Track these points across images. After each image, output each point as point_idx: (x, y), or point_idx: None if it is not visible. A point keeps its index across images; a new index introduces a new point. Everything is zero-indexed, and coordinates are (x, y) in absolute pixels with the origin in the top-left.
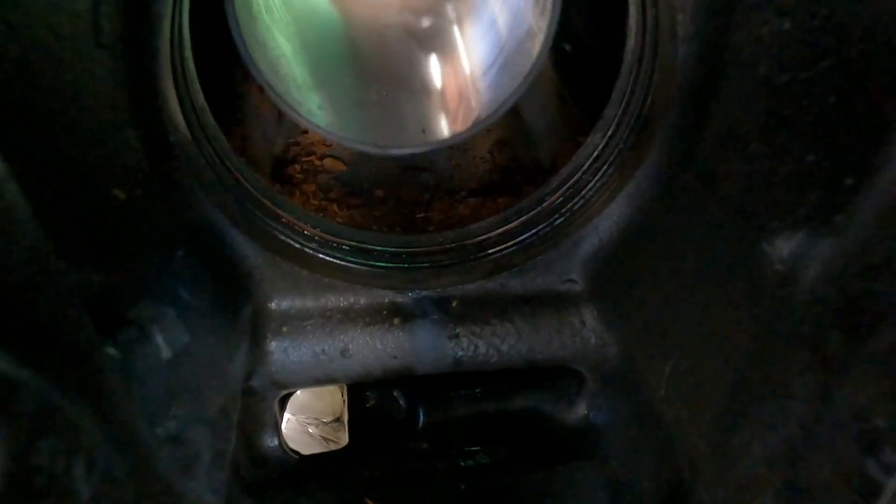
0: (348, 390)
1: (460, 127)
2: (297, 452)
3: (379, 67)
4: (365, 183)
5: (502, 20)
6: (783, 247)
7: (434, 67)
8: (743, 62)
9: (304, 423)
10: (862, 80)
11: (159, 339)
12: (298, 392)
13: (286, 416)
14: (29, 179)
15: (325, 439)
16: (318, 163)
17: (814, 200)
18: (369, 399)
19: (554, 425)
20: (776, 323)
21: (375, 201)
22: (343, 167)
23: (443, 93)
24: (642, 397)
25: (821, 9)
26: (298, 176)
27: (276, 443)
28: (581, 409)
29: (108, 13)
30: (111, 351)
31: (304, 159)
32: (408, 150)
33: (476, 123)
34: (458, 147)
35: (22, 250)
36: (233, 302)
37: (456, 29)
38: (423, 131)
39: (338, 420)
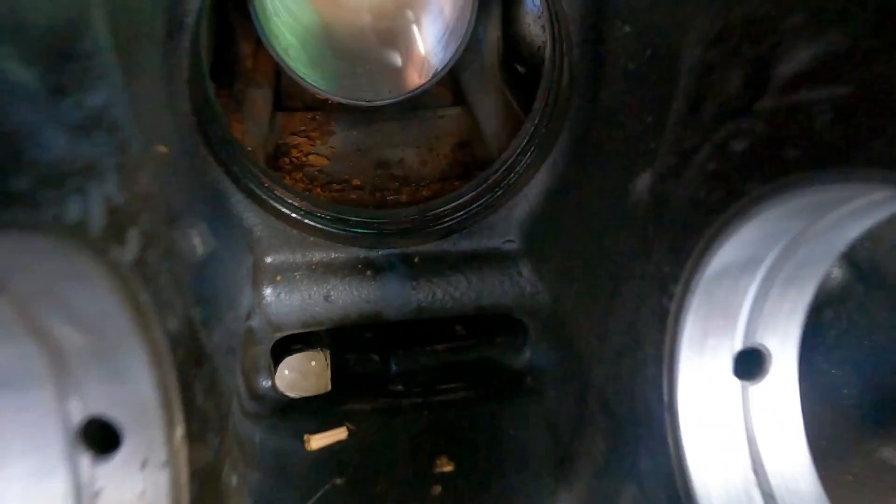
0: (332, 356)
1: (424, 80)
2: (287, 396)
3: (361, 52)
4: (345, 174)
5: (447, 7)
6: (639, 184)
7: (402, 46)
8: (611, 58)
9: None
10: (667, 62)
11: (196, 239)
12: (286, 371)
13: None
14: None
15: None
16: (304, 158)
17: (652, 148)
18: (350, 360)
19: (503, 370)
20: (632, 235)
21: (353, 188)
22: (326, 162)
23: (410, 59)
24: (567, 335)
25: (645, 17)
26: (287, 167)
27: (270, 384)
28: (526, 356)
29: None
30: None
31: (293, 155)
32: (386, 101)
33: (435, 75)
34: (424, 147)
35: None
36: (237, 253)
37: (414, 21)
38: (389, 91)
39: None
